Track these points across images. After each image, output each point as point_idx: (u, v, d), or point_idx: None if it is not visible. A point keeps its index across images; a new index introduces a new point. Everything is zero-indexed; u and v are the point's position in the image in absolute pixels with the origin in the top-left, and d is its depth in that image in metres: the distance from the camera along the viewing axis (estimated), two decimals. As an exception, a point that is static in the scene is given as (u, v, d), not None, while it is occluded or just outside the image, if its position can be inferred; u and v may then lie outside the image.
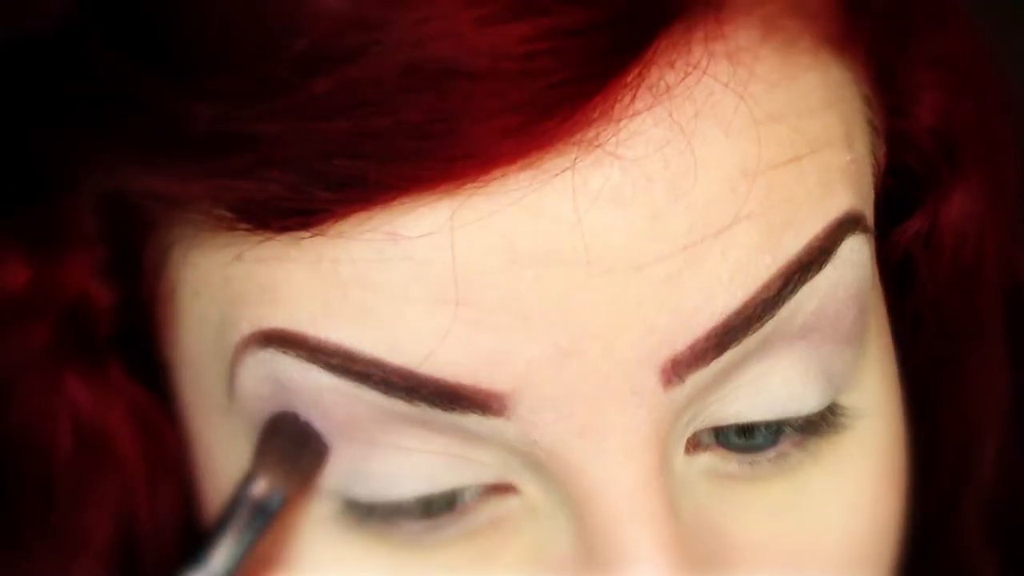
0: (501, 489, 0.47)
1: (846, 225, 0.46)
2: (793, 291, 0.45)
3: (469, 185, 0.43)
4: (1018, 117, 0.56)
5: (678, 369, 0.45)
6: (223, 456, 0.50)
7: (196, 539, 0.49)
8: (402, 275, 0.43)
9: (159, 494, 0.52)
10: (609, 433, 0.45)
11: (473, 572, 0.47)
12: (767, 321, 0.45)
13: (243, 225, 0.45)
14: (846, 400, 0.49)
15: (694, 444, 0.47)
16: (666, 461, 0.46)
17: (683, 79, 0.44)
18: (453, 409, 0.44)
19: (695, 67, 0.44)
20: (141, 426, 0.51)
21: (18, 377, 0.50)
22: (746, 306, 0.45)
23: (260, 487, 0.47)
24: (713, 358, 0.45)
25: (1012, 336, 0.56)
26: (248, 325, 0.46)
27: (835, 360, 0.48)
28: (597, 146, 0.43)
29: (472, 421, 0.45)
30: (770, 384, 0.47)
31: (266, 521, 0.46)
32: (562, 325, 0.44)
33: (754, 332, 0.45)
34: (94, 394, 0.50)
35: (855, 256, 0.47)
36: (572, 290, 0.43)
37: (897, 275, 0.52)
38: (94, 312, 0.50)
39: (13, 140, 0.48)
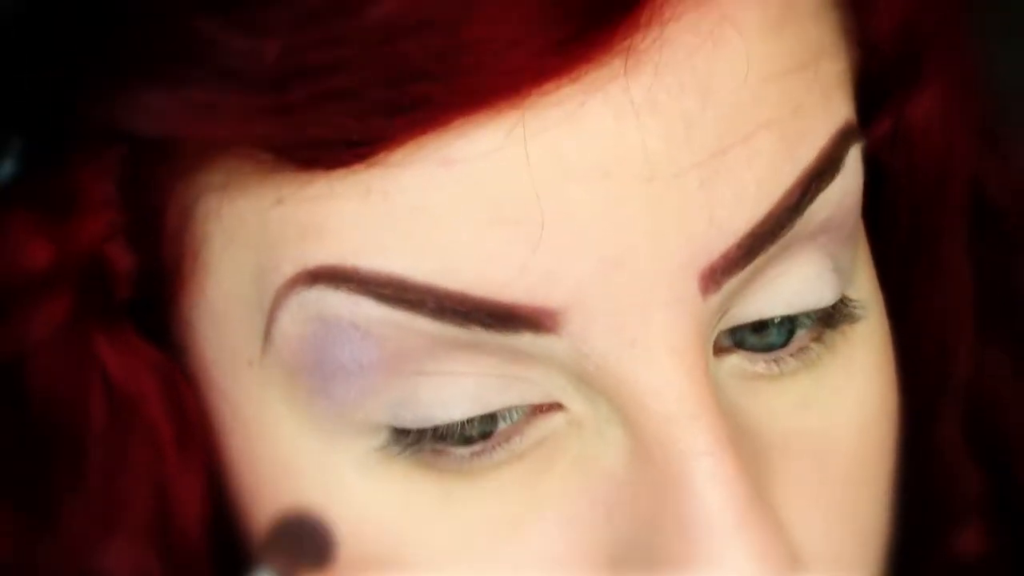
0: (546, 408, 0.48)
1: (849, 134, 0.48)
2: (811, 200, 0.47)
3: (521, 102, 0.44)
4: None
5: (715, 276, 0.46)
6: (254, 410, 0.49)
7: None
8: (454, 197, 0.44)
9: (187, 460, 0.51)
10: (657, 340, 0.46)
11: (520, 494, 0.48)
12: (789, 230, 0.47)
13: (289, 165, 0.45)
14: (852, 293, 0.51)
15: (717, 348, 0.49)
16: (710, 365, 0.47)
17: None
18: (507, 330, 0.45)
19: None
20: (166, 389, 0.50)
21: (46, 349, 0.49)
22: (770, 215, 0.46)
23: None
24: (744, 265, 0.46)
25: (972, 240, 0.58)
26: (292, 266, 0.46)
27: (841, 257, 0.50)
28: (636, 56, 0.44)
29: (525, 341, 0.45)
30: (788, 281, 0.48)
31: None
32: (610, 237, 0.45)
33: (779, 240, 0.47)
34: (122, 358, 0.50)
35: (855, 165, 0.49)
36: (618, 201, 0.44)
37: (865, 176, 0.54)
38: (113, 277, 0.49)
39: (23, 102, 0.48)
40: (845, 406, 0.51)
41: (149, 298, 0.50)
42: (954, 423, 0.60)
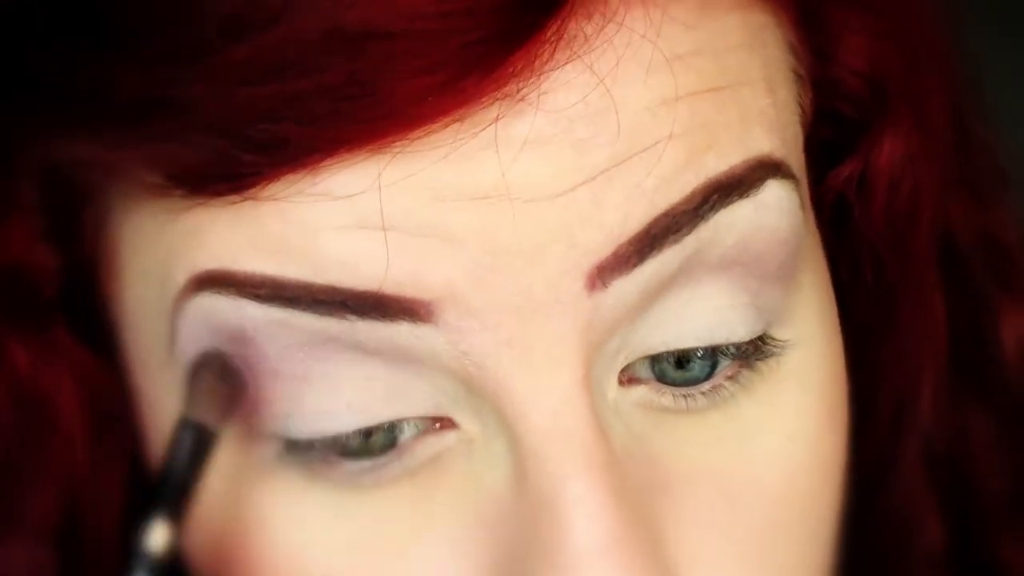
0: (440, 425, 0.48)
1: (768, 167, 0.47)
2: (713, 209, 0.46)
3: (393, 144, 0.44)
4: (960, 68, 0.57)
5: (602, 274, 0.45)
6: (165, 410, 0.50)
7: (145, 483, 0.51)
8: (324, 215, 0.45)
9: (103, 458, 0.52)
10: (535, 342, 0.46)
11: (410, 511, 0.48)
12: (686, 235, 0.46)
13: (176, 191, 0.46)
14: (778, 333, 0.50)
15: (629, 378, 0.48)
16: (594, 380, 0.47)
17: (601, 29, 0.45)
18: (382, 318, 0.45)
19: (612, 16, 0.45)
20: (86, 388, 0.52)
21: None
22: (666, 214, 0.46)
23: (196, 425, 0.48)
24: (636, 264, 0.46)
25: (944, 283, 0.57)
26: (183, 275, 0.47)
27: (763, 295, 0.49)
28: (520, 99, 0.44)
29: (403, 333, 0.46)
30: (697, 310, 0.48)
31: (206, 454, 0.48)
32: (483, 247, 0.45)
33: (675, 243, 0.46)
34: (36, 358, 0.51)
35: (781, 204, 0.48)
36: (494, 219, 0.44)
37: (833, 218, 0.53)
38: (36, 277, 0.51)
39: None
40: (765, 447, 0.49)
41: (81, 295, 0.52)
42: (915, 475, 0.59)
